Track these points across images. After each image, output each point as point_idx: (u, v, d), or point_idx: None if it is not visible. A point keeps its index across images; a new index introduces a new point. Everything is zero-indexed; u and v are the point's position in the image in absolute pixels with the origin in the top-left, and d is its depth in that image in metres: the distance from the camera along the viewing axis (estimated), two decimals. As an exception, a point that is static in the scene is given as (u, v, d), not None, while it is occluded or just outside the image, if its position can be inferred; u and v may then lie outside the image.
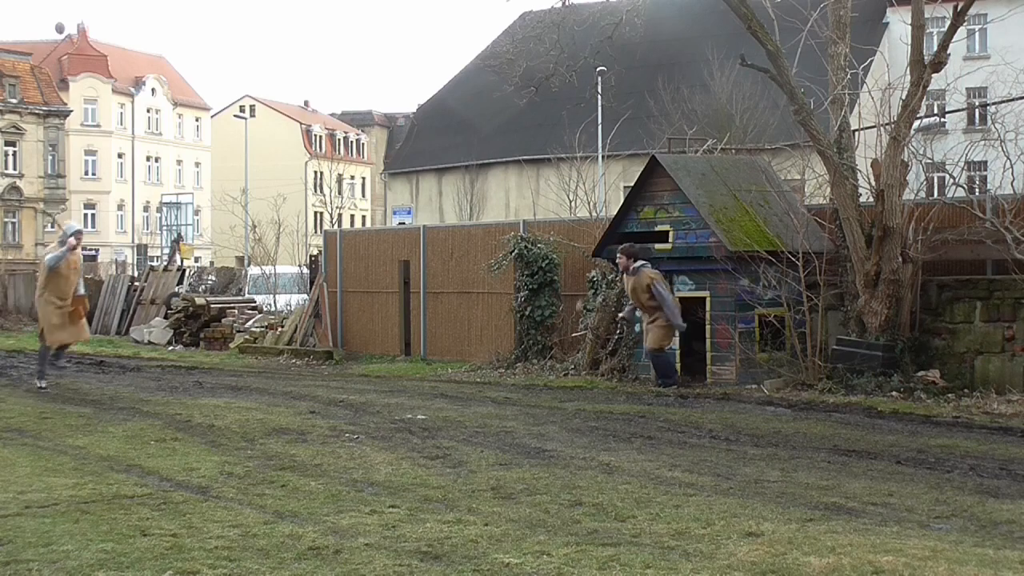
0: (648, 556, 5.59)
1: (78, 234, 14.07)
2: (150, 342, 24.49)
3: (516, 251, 17.31)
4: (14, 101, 57.71)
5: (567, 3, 18.87)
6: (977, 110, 32.50)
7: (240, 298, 26.94)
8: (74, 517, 6.47)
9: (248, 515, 6.56)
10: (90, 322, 26.96)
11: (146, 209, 67.99)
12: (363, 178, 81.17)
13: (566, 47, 18.59)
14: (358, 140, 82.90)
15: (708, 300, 14.45)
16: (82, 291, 14.24)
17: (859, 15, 16.98)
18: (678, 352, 14.86)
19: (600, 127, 31.99)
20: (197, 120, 74.53)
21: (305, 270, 27.18)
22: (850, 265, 14.03)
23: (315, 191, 67.21)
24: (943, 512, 6.90)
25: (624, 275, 14.22)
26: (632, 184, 15.68)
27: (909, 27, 14.07)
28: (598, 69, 28.45)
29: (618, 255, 14.20)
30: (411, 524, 6.31)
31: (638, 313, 14.36)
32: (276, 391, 13.88)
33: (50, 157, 59.56)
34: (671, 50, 40.20)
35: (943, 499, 7.28)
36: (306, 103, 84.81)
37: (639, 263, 14.06)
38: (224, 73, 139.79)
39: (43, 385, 13.88)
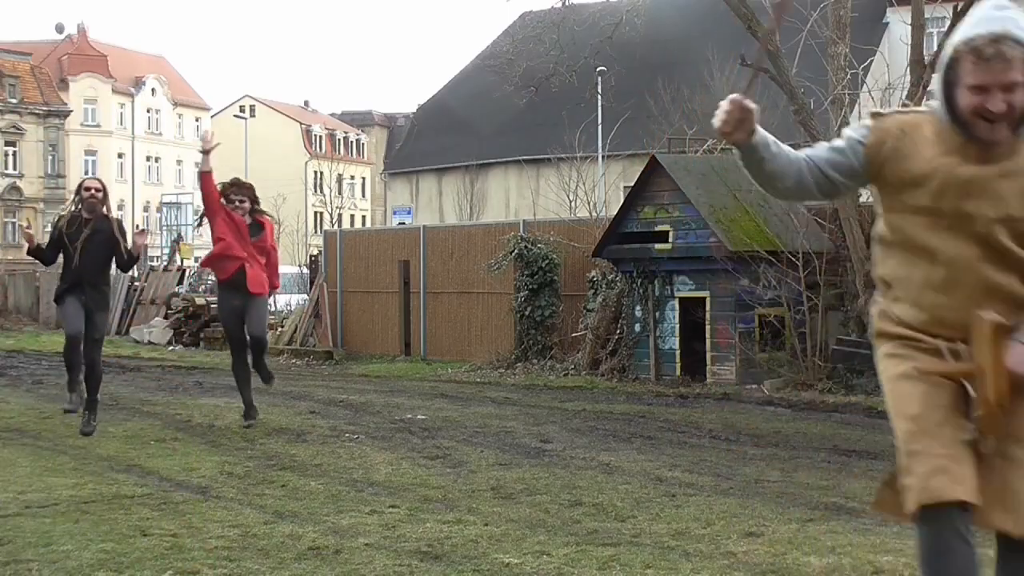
0: (648, 556, 5.58)
1: None
2: (150, 342, 24.49)
3: (516, 251, 17.31)
4: (14, 101, 57.74)
5: (567, 3, 18.88)
6: (977, 110, 32.41)
7: (240, 298, 26.87)
8: (74, 517, 6.45)
9: (248, 515, 6.55)
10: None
11: (146, 209, 67.91)
12: (363, 178, 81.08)
13: (566, 47, 18.61)
14: (358, 140, 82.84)
15: (708, 300, 14.46)
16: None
17: (859, 15, 16.99)
18: (678, 352, 14.88)
19: (600, 127, 31.96)
20: (197, 120, 74.44)
21: (305, 270, 27.17)
22: (850, 265, 14.04)
23: (315, 191, 67.18)
24: (943, 512, 6.88)
25: None
26: (632, 184, 15.69)
27: (909, 27, 14.08)
28: (598, 69, 28.41)
29: None
30: (411, 524, 6.30)
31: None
32: (276, 391, 13.85)
33: (50, 157, 59.58)
34: (671, 50, 40.14)
35: (943, 499, 7.26)
36: (306, 103, 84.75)
37: None
38: (224, 73, 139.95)
39: None
